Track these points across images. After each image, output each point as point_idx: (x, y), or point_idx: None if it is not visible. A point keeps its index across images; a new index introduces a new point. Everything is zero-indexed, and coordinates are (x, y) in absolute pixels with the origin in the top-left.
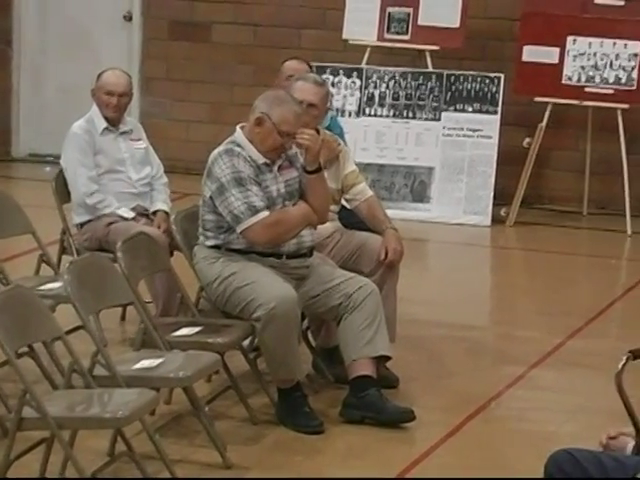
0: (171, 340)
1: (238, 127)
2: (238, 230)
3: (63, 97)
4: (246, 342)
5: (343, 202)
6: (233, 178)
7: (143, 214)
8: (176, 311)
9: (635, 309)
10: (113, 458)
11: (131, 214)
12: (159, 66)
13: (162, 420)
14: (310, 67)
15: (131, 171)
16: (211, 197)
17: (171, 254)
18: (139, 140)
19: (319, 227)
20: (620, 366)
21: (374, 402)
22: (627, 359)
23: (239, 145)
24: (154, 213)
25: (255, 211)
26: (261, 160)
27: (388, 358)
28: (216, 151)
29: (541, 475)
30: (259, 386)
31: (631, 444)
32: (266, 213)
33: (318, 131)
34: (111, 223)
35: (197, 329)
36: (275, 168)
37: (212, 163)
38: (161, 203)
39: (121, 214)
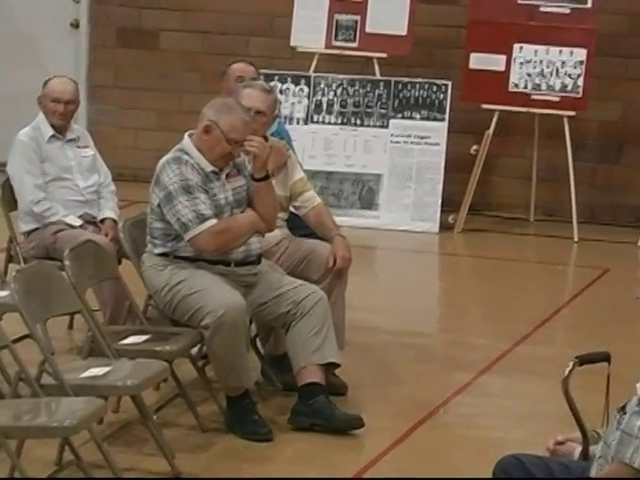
0: (119, 348)
1: (186, 135)
2: (186, 238)
3: (9, 104)
4: (194, 350)
5: (291, 209)
6: (181, 186)
7: (91, 222)
8: (124, 319)
9: (582, 315)
10: (61, 467)
11: (78, 222)
12: (107, 73)
13: (110, 429)
14: (257, 69)
15: (78, 179)
16: (159, 205)
17: (119, 262)
18: (86, 148)
19: (267, 235)
20: (567, 372)
21: (323, 409)
22: (574, 365)
23: (187, 153)
24: (102, 221)
25: (203, 219)
26: (209, 168)
27: (337, 365)
28: (164, 159)
29: None
30: (208, 394)
31: (578, 449)
32: (214, 221)
33: (266, 138)
34: (58, 231)
35: (145, 337)
36: (223, 176)
37: (160, 171)
38: (109, 211)
39: (68, 222)
